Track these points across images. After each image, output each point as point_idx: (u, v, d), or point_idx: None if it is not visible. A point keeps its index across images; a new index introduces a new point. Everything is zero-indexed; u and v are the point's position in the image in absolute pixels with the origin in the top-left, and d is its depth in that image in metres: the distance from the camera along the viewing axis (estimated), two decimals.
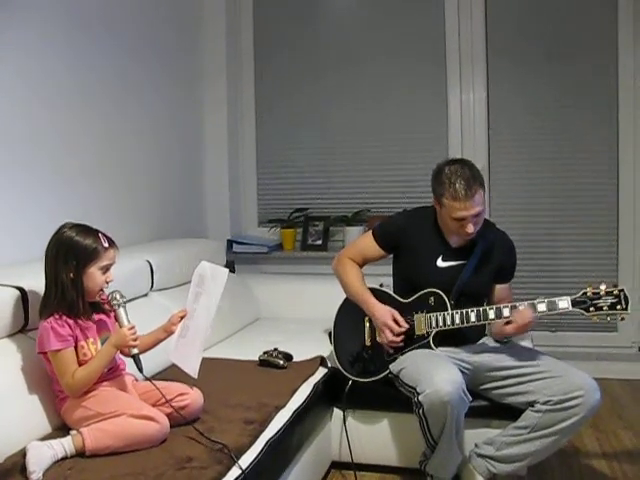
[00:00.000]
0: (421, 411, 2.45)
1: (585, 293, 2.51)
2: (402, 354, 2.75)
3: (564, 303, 2.52)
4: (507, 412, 2.64)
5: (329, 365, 3.03)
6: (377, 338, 2.85)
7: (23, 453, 1.94)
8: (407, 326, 2.74)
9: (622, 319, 2.55)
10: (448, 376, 2.43)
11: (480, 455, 2.64)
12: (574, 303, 2.51)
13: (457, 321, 2.66)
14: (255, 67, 4.78)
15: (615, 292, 2.48)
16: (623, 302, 2.47)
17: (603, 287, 2.50)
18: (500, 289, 2.88)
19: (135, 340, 2.20)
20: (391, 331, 2.74)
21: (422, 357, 2.65)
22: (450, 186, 2.60)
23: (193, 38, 4.46)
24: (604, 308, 2.48)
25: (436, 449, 2.53)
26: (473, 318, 2.63)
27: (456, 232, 2.70)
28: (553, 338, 4.27)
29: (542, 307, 2.55)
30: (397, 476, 2.96)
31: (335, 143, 4.68)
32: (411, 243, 2.85)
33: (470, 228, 2.63)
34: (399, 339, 2.75)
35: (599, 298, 2.49)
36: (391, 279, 3.00)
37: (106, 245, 2.22)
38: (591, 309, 2.49)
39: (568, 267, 4.36)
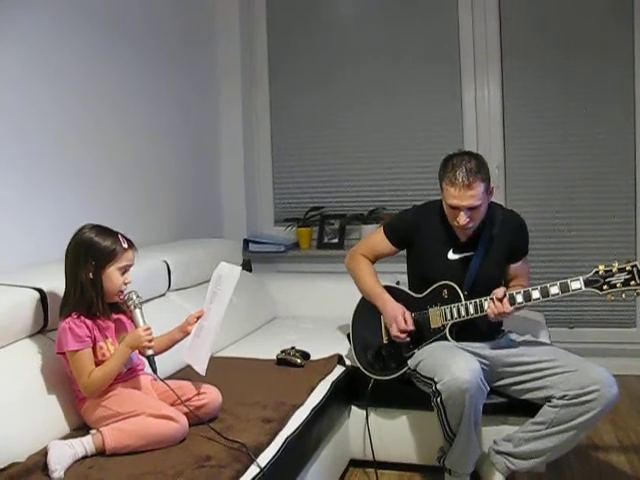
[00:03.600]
0: (439, 400, 2.45)
1: (597, 272, 2.48)
2: (419, 349, 2.76)
3: (577, 284, 2.49)
4: (525, 408, 2.63)
5: (347, 363, 3.03)
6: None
7: (44, 452, 1.96)
8: (412, 328, 2.75)
9: (638, 294, 2.47)
10: (466, 365, 2.43)
11: (498, 452, 2.63)
12: (587, 283, 2.48)
13: (472, 311, 2.65)
14: (269, 67, 4.81)
15: (628, 268, 2.44)
16: (637, 277, 2.42)
17: (616, 264, 2.46)
18: (515, 267, 2.88)
19: (150, 341, 2.21)
20: (397, 326, 2.75)
21: (439, 349, 2.66)
22: (451, 171, 2.60)
23: (207, 40, 4.49)
24: (617, 285, 2.44)
25: (454, 441, 2.52)
26: (486, 307, 2.62)
27: (451, 222, 2.70)
28: (571, 334, 4.25)
29: (555, 290, 2.51)
30: (416, 474, 2.97)
31: (350, 141, 4.68)
32: (421, 238, 2.86)
33: (462, 219, 2.62)
34: (403, 336, 2.76)
35: (612, 275, 2.45)
36: (406, 277, 3.00)
37: (125, 246, 2.24)
38: (604, 287, 2.45)
39: (585, 256, 4.33)
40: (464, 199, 2.59)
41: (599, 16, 4.23)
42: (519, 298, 2.58)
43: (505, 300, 2.58)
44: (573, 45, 4.28)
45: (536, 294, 2.56)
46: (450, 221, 2.71)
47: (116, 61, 3.39)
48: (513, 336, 2.84)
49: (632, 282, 2.43)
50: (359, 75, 4.63)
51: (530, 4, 4.35)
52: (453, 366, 2.43)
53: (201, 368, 2.34)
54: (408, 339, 2.77)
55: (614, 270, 2.46)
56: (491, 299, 2.60)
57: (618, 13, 4.20)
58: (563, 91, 4.32)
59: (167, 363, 2.53)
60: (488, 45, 4.40)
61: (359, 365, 2.94)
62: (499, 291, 2.60)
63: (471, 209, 2.61)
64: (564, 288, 2.51)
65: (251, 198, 4.76)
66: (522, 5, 4.36)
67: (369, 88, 4.61)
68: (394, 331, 2.77)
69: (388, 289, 2.91)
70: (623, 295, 2.47)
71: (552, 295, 2.53)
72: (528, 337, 2.85)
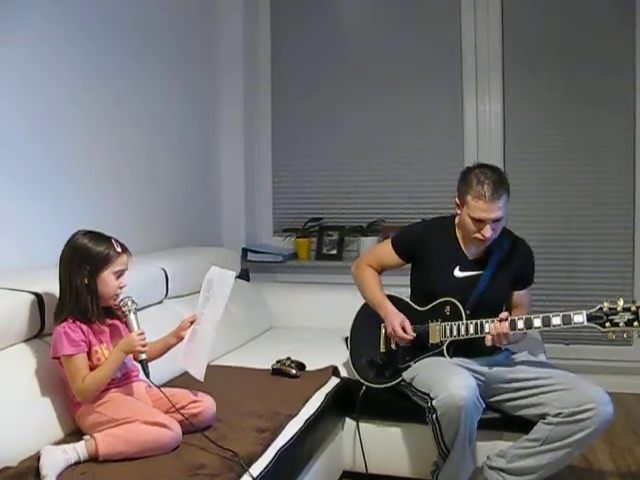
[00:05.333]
0: (434, 416, 2.45)
1: (601, 308, 2.46)
2: (415, 362, 2.76)
3: (579, 317, 2.48)
4: (519, 425, 2.62)
5: (341, 375, 3.03)
6: (392, 345, 2.86)
7: (37, 457, 1.96)
8: (412, 334, 2.75)
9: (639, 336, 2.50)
10: (462, 381, 2.43)
11: (492, 467, 2.62)
12: (589, 318, 2.46)
13: (471, 331, 2.65)
14: (272, 79, 4.82)
15: (633, 308, 2.43)
16: None
17: (621, 302, 2.45)
18: (519, 295, 2.88)
19: (144, 346, 2.21)
20: (395, 334, 2.76)
21: (435, 364, 2.66)
22: (478, 185, 2.62)
23: (208, 48, 4.49)
24: (620, 324, 2.42)
25: (448, 457, 2.52)
26: (487, 329, 2.62)
27: (472, 235, 2.70)
28: (567, 351, 4.24)
29: (557, 320, 2.51)
30: None
31: (350, 153, 4.69)
32: (429, 253, 2.87)
33: (487, 232, 2.64)
34: (403, 343, 2.77)
35: (615, 314, 2.44)
36: (408, 289, 3.01)
37: (119, 250, 2.25)
38: (607, 324, 2.44)
39: (584, 279, 4.35)
40: (492, 212, 2.61)
41: (602, 30, 4.24)
42: (520, 324, 2.58)
43: (505, 323, 2.58)
44: (576, 60, 4.29)
45: (537, 322, 2.55)
46: (471, 234, 2.71)
47: (115, 71, 3.37)
48: (509, 353, 2.84)
49: (635, 323, 2.42)
50: (360, 88, 4.63)
51: (533, 18, 4.36)
52: (449, 383, 2.43)
53: (199, 374, 2.34)
54: (410, 340, 2.76)
55: (618, 309, 2.44)
56: (493, 321, 2.60)
57: (621, 26, 4.21)
58: (565, 106, 4.33)
59: (163, 370, 2.53)
60: (490, 59, 4.41)
61: (353, 370, 2.95)
62: (502, 314, 2.61)
63: (495, 221, 2.64)
64: (566, 320, 2.50)
65: (251, 207, 4.76)
66: (525, 19, 4.37)
67: (370, 101, 4.62)
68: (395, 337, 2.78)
69: (390, 299, 2.91)
70: (625, 335, 2.46)
71: (553, 325, 2.52)
72: (524, 354, 2.85)
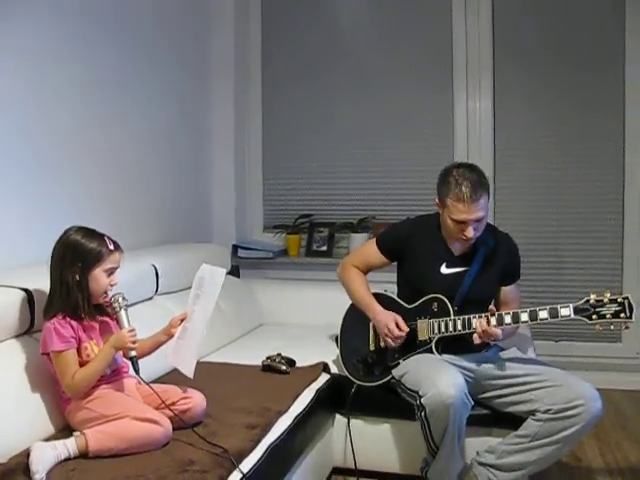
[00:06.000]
0: (423, 414, 2.45)
1: (588, 300, 2.47)
2: (404, 359, 2.76)
3: (566, 310, 2.49)
4: (509, 421, 2.63)
5: (332, 371, 3.04)
6: (381, 343, 2.86)
7: (27, 453, 1.95)
8: (407, 330, 2.74)
9: (626, 328, 2.48)
10: (451, 379, 2.43)
11: (481, 463, 2.63)
12: (576, 310, 2.48)
13: (459, 327, 2.66)
14: (262, 75, 4.81)
15: (619, 300, 2.44)
16: (627, 310, 2.42)
17: (607, 295, 2.46)
18: (507, 290, 2.89)
19: (134, 342, 2.21)
20: (391, 333, 2.74)
21: (424, 362, 2.66)
22: (456, 187, 2.61)
23: (200, 45, 4.49)
24: (607, 316, 2.44)
25: (437, 454, 2.53)
26: (475, 324, 2.62)
27: (455, 235, 2.71)
28: (556, 348, 4.26)
29: (544, 314, 2.52)
30: None
31: (341, 150, 4.69)
32: (415, 251, 2.86)
33: (470, 232, 2.64)
34: (399, 341, 2.76)
35: (602, 306, 2.45)
36: (395, 286, 3.00)
37: (111, 248, 2.25)
38: (593, 317, 2.45)
39: (572, 275, 4.36)
40: (472, 213, 2.60)
41: (593, 31, 4.25)
42: (507, 319, 2.58)
43: (492, 318, 2.59)
44: (566, 59, 4.30)
45: (525, 317, 2.56)
46: (454, 235, 2.71)
47: (106, 72, 3.35)
48: (499, 349, 2.85)
49: (622, 314, 2.43)
50: (351, 85, 4.64)
51: (524, 19, 4.37)
52: (438, 380, 2.43)
53: (189, 371, 2.34)
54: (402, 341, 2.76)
55: (605, 300, 2.46)
56: (480, 317, 2.61)
57: (612, 28, 4.22)
58: (555, 104, 4.34)
59: (153, 366, 2.53)
60: (481, 57, 4.41)
61: (344, 369, 2.96)
62: (489, 308, 2.62)
63: (477, 221, 2.63)
64: (553, 314, 2.51)
65: (241, 204, 4.76)
66: (515, 19, 4.38)
67: (361, 96, 4.62)
68: (389, 342, 2.77)
69: (378, 297, 2.92)
70: (612, 326, 2.47)
71: (540, 320, 2.53)
72: (514, 350, 2.85)
